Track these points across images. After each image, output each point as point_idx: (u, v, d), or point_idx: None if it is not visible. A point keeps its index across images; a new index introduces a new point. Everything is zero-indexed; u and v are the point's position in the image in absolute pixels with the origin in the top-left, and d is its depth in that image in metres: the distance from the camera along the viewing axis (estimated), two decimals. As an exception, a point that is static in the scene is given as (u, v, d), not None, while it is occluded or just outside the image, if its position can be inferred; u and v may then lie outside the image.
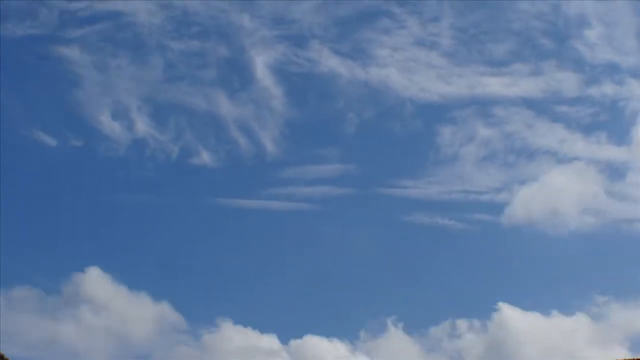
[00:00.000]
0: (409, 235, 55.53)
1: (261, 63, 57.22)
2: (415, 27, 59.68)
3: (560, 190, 57.35)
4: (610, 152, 58.21)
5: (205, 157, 54.18)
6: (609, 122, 59.73)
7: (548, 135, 58.22)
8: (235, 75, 57.35)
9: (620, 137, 59.49)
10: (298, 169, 56.87)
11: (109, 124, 53.07)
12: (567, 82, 58.95)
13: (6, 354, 31.39)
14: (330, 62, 58.07)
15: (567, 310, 50.87)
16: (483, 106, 58.83)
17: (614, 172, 58.01)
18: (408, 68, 58.57)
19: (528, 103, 59.05)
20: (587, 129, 58.84)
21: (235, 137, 56.35)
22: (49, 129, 52.38)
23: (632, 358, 36.46)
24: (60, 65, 55.71)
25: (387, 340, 50.29)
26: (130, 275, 51.65)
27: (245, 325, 48.84)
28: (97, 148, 53.03)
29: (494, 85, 59.03)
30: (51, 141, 52.16)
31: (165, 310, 50.26)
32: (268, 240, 54.92)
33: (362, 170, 56.98)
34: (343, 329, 49.09)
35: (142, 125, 53.72)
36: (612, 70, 60.14)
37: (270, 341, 49.37)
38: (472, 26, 60.72)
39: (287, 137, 57.06)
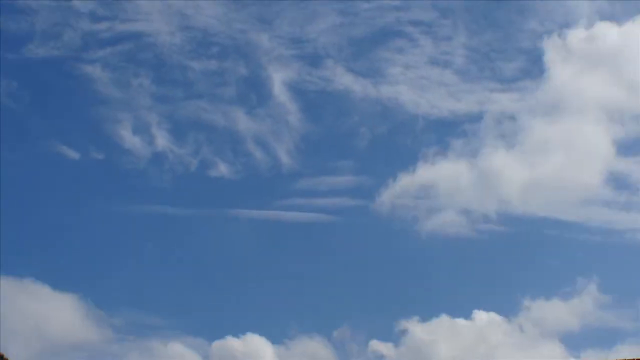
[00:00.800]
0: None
1: (278, 80, 58.50)
2: (428, 47, 61.70)
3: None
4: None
5: (223, 170, 55.88)
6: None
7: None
8: (253, 92, 58.22)
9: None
10: (312, 180, 58.15)
11: (129, 139, 54.97)
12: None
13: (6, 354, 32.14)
14: (344, 79, 59.76)
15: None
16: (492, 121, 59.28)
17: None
18: (420, 85, 60.53)
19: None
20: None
21: (252, 150, 57.95)
22: (72, 143, 54.63)
23: (632, 358, 36.44)
24: (83, 84, 58.02)
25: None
26: (149, 287, 52.01)
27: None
28: (117, 161, 54.66)
29: (504, 101, 60.24)
30: (73, 154, 54.44)
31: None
32: (283, 250, 55.28)
33: (373, 182, 57.17)
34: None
35: (162, 140, 55.82)
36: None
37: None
38: (483, 45, 62.15)
39: (302, 151, 58.67)
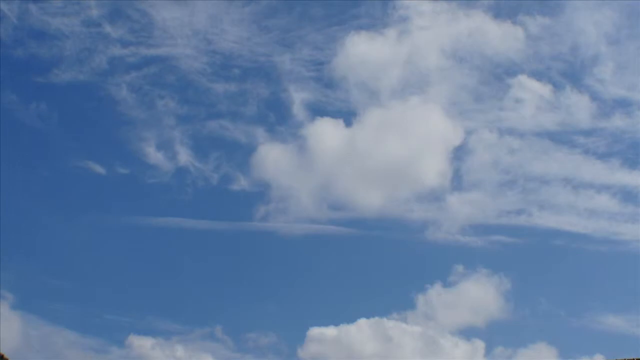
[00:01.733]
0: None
1: (298, 100, 60.45)
2: None
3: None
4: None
5: (243, 183, 57.86)
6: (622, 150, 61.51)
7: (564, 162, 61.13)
8: (273, 111, 60.55)
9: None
10: None
11: (153, 155, 56.62)
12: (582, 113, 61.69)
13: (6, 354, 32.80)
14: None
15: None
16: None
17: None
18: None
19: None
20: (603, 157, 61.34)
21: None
22: (99, 159, 57.27)
23: (632, 358, 36.11)
24: (110, 105, 60.75)
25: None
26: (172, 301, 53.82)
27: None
28: (142, 176, 57.17)
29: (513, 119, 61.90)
30: (100, 169, 57.15)
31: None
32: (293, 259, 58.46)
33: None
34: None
35: (185, 156, 57.85)
36: (623, 104, 62.22)
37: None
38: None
39: None
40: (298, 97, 60.79)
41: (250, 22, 62.27)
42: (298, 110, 60.43)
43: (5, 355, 33.00)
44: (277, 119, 60.72)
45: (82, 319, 52.68)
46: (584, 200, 59.44)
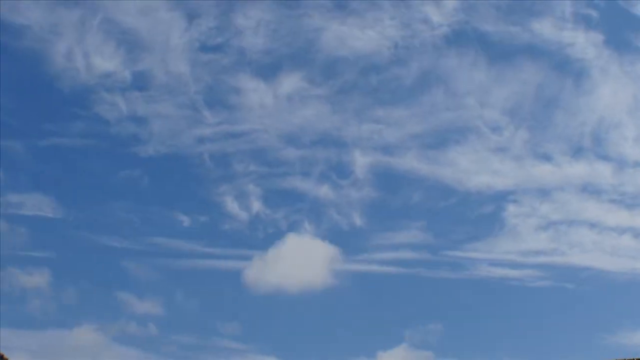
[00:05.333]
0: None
1: (360, 163, 67.56)
2: (488, 135, 68.26)
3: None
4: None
5: (309, 229, 65.47)
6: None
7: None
8: (337, 171, 67.72)
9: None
10: (382, 236, 65.99)
11: (230, 205, 65.63)
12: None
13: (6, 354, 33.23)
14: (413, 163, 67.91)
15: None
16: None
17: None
18: (477, 168, 68.12)
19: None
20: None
21: (333, 214, 66.56)
22: (184, 210, 66.22)
23: (631, 358, 35.95)
24: (194, 168, 68.14)
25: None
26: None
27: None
28: (220, 223, 66.04)
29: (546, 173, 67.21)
30: (185, 218, 65.96)
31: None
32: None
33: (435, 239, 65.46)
34: None
35: (257, 205, 65.92)
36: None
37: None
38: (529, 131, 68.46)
39: (373, 216, 66.79)
40: (361, 160, 67.80)
41: (325, 101, 69.77)
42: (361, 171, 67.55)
43: (5, 355, 33.48)
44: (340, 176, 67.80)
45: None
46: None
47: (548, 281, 63.34)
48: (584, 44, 68.46)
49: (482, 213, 67.12)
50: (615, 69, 68.63)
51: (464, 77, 69.74)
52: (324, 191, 66.94)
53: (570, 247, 64.26)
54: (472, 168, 67.94)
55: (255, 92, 68.73)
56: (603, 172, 66.22)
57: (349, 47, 69.45)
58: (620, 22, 70.59)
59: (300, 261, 63.93)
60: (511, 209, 65.91)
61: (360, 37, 69.43)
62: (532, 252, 64.64)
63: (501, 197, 66.70)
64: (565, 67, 69.31)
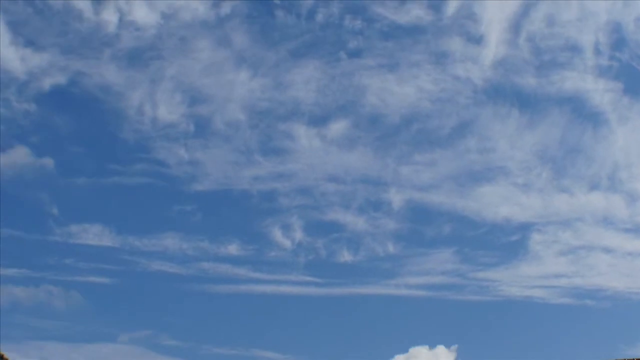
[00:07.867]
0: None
1: (396, 199, 72.20)
2: (515, 174, 72.53)
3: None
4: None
5: (346, 256, 70.48)
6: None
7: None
8: (374, 207, 72.51)
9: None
10: (414, 261, 70.17)
11: (276, 235, 71.33)
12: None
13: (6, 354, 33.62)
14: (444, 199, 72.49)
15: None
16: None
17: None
18: (504, 201, 72.33)
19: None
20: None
21: (369, 242, 71.31)
22: (236, 244, 71.87)
23: (631, 358, 35.66)
24: (244, 204, 73.69)
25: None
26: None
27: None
28: (267, 252, 71.86)
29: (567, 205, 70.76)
30: (237, 251, 71.80)
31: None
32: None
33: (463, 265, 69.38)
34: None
35: (300, 235, 71.53)
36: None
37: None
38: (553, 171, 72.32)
39: (405, 246, 71.28)
40: (397, 197, 72.30)
41: (368, 147, 74.69)
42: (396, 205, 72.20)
43: (5, 355, 33.92)
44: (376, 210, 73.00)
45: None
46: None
47: (569, 298, 66.80)
48: (603, 92, 72.61)
49: (509, 241, 70.64)
50: (633, 115, 72.49)
51: (497, 125, 73.98)
52: (361, 223, 71.86)
53: (589, 269, 68.29)
54: (500, 202, 72.16)
55: (305, 137, 74.32)
56: (618, 205, 70.39)
57: (391, 100, 74.58)
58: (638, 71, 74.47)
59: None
60: (535, 237, 69.38)
61: (400, 91, 74.47)
62: (554, 275, 68.64)
63: (526, 227, 70.38)
64: (586, 114, 73.51)
